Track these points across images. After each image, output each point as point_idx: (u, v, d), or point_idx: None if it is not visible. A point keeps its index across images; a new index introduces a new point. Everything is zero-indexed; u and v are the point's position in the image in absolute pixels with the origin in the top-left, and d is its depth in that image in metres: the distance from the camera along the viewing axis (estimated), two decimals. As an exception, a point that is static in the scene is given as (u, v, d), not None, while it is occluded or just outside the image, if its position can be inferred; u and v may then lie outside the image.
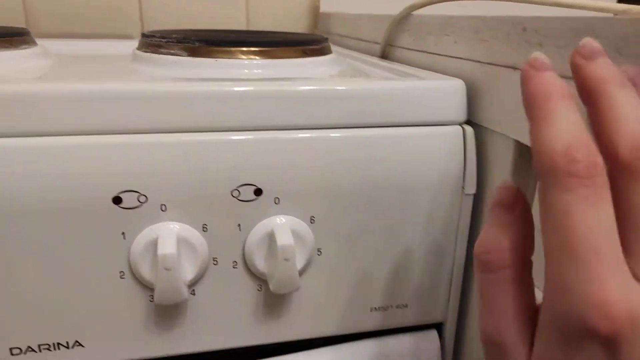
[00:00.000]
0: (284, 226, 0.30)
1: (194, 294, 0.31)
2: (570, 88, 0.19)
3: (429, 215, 0.33)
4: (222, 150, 0.29)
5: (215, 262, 0.31)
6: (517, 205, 0.21)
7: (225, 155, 0.29)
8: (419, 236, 0.34)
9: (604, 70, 0.19)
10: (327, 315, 0.34)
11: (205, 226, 0.30)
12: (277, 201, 0.30)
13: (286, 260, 0.29)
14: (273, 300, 0.33)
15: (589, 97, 0.19)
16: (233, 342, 0.33)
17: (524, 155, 0.30)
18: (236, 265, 0.31)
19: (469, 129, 0.33)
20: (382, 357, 0.36)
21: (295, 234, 0.30)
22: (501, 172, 0.32)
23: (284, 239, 0.29)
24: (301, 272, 0.32)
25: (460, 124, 0.33)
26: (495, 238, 0.21)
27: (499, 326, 0.20)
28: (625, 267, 0.17)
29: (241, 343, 0.33)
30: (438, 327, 0.38)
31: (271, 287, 0.30)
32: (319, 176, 0.31)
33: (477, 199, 0.34)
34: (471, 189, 0.34)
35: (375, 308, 0.35)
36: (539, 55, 0.19)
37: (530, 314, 0.20)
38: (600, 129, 0.18)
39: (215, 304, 0.32)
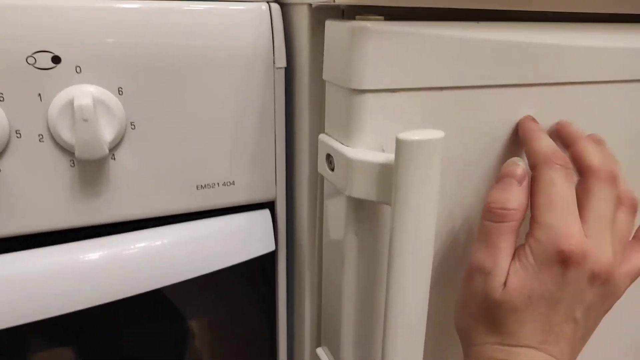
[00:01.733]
0: (84, 91, 0.30)
1: (-2, 169, 0.31)
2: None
3: (244, 90, 0.35)
4: (14, 14, 0.29)
5: (18, 135, 0.30)
6: (525, 178, 0.31)
7: (17, 19, 0.29)
8: (236, 112, 0.35)
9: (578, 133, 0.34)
10: (150, 194, 0.35)
11: (1, 95, 0.29)
12: (78, 70, 0.31)
13: (85, 120, 0.29)
14: (89, 177, 0.33)
15: (569, 142, 0.33)
16: (44, 224, 0.33)
17: (320, 22, 0.32)
18: (42, 138, 0.31)
19: (274, 5, 0.35)
20: (214, 236, 0.37)
21: (101, 103, 0.31)
22: (304, 42, 0.34)
23: (81, 100, 0.29)
24: (114, 146, 0.33)
25: (266, 0, 0.35)
26: (509, 199, 0.31)
27: (495, 258, 0.30)
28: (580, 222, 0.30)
29: (55, 225, 0.33)
30: (271, 206, 0.40)
31: (76, 153, 0.30)
32: (124, 46, 0.31)
33: (288, 72, 0.36)
34: (281, 62, 0.35)
35: (201, 186, 0.36)
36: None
37: (513, 252, 0.31)
38: (579, 156, 0.32)
39: (21, 181, 0.31)
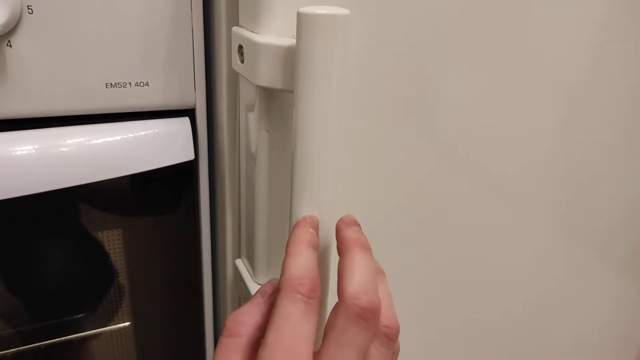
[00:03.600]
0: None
1: None
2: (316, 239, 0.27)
3: (156, -19, 0.33)
4: None
5: None
6: (272, 296, 0.27)
7: None
8: (146, 5, 0.33)
9: (354, 235, 0.27)
10: (52, 89, 0.33)
11: None
12: (-40, -62, 0.28)
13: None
14: (-19, 64, 0.30)
15: (340, 251, 0.27)
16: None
17: None
18: None
19: None
20: (128, 139, 0.36)
21: (-11, -21, 0.28)
22: None
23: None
24: (10, 32, 0.30)
25: None
26: (247, 313, 0.27)
27: None
28: None
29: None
30: (192, 114, 0.38)
31: (-42, 30, 0.28)
32: None
33: (204, -37, 0.34)
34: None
35: (110, 84, 0.34)
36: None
37: None
38: (340, 275, 0.25)
39: None
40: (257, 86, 0.28)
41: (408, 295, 0.44)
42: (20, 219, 0.36)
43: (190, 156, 0.38)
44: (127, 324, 0.45)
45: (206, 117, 0.38)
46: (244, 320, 0.26)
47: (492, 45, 0.37)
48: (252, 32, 0.29)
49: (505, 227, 0.47)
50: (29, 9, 0.30)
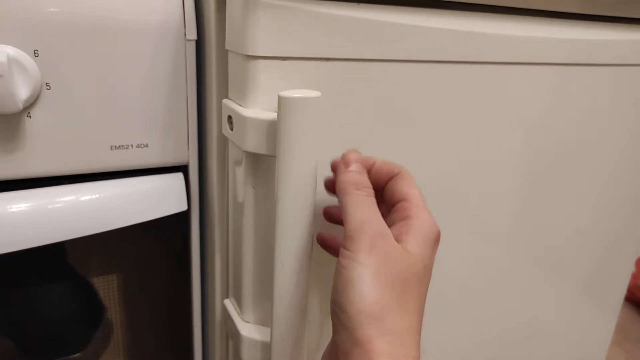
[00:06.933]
0: (0, 50, 0.32)
1: None
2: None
3: (155, 59, 0.38)
4: None
5: None
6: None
7: None
8: (147, 79, 0.38)
9: (351, 175, 0.33)
10: (65, 152, 0.37)
11: None
12: (-7, 30, 0.33)
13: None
14: (6, 133, 0.35)
15: (339, 194, 0.33)
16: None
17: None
18: (-43, 93, 0.33)
19: (185, -19, 0.38)
20: (128, 194, 0.40)
21: (16, 62, 0.33)
22: (211, 16, 0.37)
23: (-4, 57, 0.32)
24: (30, 105, 0.35)
25: (178, -24, 0.38)
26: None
27: None
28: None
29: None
30: (185, 170, 0.43)
31: (-10, 106, 0.33)
32: (40, 9, 0.34)
33: (198, 44, 0.40)
34: (192, 35, 0.39)
35: (115, 147, 0.39)
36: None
37: None
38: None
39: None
40: (244, 151, 0.34)
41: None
42: (21, 264, 0.40)
43: (183, 207, 0.43)
44: (120, 363, 0.48)
45: (198, 172, 0.43)
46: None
47: (462, 116, 0.43)
48: (240, 105, 0.34)
49: (478, 258, 0.52)
50: (47, 85, 0.36)
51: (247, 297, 0.40)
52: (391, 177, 0.34)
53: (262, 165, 0.35)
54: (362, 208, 0.31)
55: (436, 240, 0.32)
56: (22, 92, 0.34)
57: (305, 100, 0.29)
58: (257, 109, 0.34)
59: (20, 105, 0.33)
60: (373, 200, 0.32)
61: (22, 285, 0.41)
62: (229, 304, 0.43)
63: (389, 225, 0.32)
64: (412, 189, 0.33)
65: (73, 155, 0.38)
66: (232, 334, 0.41)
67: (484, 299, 0.56)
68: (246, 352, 0.39)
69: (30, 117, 0.36)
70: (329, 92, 0.34)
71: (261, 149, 0.33)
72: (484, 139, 0.46)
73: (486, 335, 0.59)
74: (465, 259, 0.51)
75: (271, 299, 0.35)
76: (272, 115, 0.32)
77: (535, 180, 0.52)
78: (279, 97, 0.29)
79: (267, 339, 0.37)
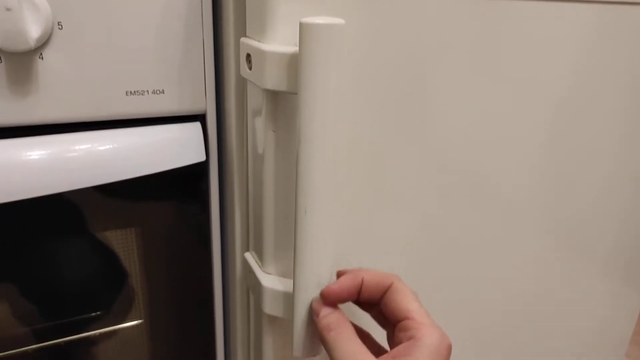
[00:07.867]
0: (7, -16, 0.31)
1: None
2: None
3: (168, 0, 0.36)
4: None
5: (-59, 26, 0.31)
6: None
7: None
8: (162, 20, 0.37)
9: (322, 323, 0.32)
10: (79, 97, 0.36)
11: None
12: (1, -36, 0.31)
13: (8, 10, 0.30)
14: (17, 75, 0.34)
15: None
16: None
17: None
18: (-34, 31, 0.32)
19: None
20: (145, 143, 0.39)
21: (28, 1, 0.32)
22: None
23: (4, -11, 0.30)
24: (42, 45, 0.34)
25: None
26: None
27: None
28: None
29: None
30: (202, 120, 0.42)
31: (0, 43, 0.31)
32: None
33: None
34: (208, -28, 0.37)
35: (130, 92, 0.38)
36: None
37: None
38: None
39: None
40: (265, 89, 0.32)
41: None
42: (40, 218, 0.39)
43: (202, 158, 0.41)
44: (140, 321, 0.47)
45: (216, 121, 0.42)
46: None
47: (486, 54, 0.40)
48: (259, 41, 0.32)
49: (499, 232, 0.50)
50: (59, 25, 0.34)
51: (269, 249, 0.38)
52: (384, 290, 0.33)
53: (283, 108, 0.33)
54: (342, 348, 0.31)
55: (447, 356, 0.31)
56: (33, 30, 0.32)
57: (329, 27, 0.27)
58: (276, 43, 0.32)
59: (32, 43, 0.32)
60: (350, 334, 0.32)
61: (39, 240, 0.40)
62: (249, 257, 0.41)
63: (396, 344, 0.31)
64: (412, 303, 0.32)
65: (87, 101, 0.37)
66: (253, 287, 0.40)
67: (508, 274, 0.53)
68: (268, 304, 0.38)
69: (42, 58, 0.34)
70: (353, 25, 0.32)
71: (282, 86, 0.31)
72: (510, 104, 0.43)
73: (511, 310, 0.57)
74: (488, 234, 0.49)
75: (294, 248, 0.33)
76: (293, 48, 0.30)
77: (562, 146, 0.49)
78: (301, 24, 0.27)
79: (289, 289, 0.36)
